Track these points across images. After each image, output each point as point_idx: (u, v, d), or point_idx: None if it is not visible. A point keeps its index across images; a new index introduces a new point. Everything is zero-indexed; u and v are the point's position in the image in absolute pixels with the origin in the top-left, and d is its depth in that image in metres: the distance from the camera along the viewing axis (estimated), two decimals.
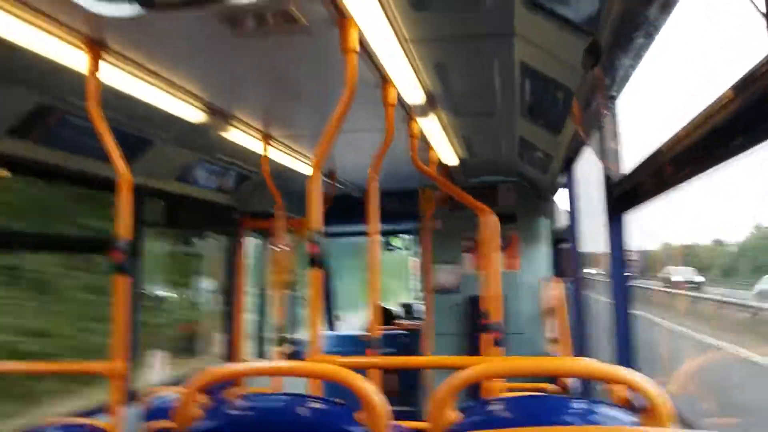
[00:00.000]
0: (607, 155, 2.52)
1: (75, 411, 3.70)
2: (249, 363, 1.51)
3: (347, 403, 1.46)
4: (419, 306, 7.74)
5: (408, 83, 2.95)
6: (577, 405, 1.37)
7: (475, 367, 1.40)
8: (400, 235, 8.49)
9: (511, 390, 3.65)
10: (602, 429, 1.15)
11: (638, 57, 2.06)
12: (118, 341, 2.51)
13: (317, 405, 1.46)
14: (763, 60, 1.17)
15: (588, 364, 1.53)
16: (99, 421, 2.69)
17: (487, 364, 1.45)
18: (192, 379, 1.50)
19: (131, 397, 3.93)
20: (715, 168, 1.77)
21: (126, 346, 2.61)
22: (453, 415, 1.36)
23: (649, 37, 1.90)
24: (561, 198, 5.09)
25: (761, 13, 0.91)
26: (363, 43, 2.38)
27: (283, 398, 1.52)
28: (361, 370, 1.73)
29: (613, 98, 2.45)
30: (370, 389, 1.37)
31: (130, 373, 3.98)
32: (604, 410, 1.33)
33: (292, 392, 1.56)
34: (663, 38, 1.93)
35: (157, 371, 4.59)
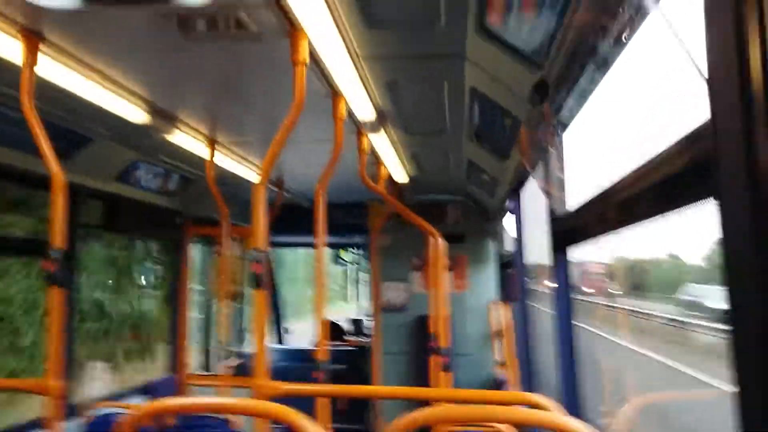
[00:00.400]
0: (552, 187, 2.55)
1: (11, 426, 3.51)
2: (196, 399, 1.45)
3: None
4: (369, 322, 7.70)
5: (358, 98, 2.93)
6: None
7: (432, 410, 1.39)
8: (349, 249, 8.45)
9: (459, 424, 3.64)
10: None
11: (586, 93, 2.09)
12: (54, 356, 2.36)
13: None
14: (704, 124, 1.18)
15: (540, 414, 1.54)
16: None
17: (442, 408, 1.45)
18: (144, 397, 1.44)
19: (71, 411, 3.75)
20: (656, 217, 1.81)
21: (62, 361, 2.47)
22: None
23: (599, 73, 1.93)
24: (508, 222, 5.14)
25: (703, 77, 0.92)
26: (313, 55, 2.34)
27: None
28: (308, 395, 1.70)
29: (559, 131, 2.47)
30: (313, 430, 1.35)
31: (69, 387, 3.80)
32: None
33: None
34: (612, 76, 1.97)
35: (98, 384, 4.40)
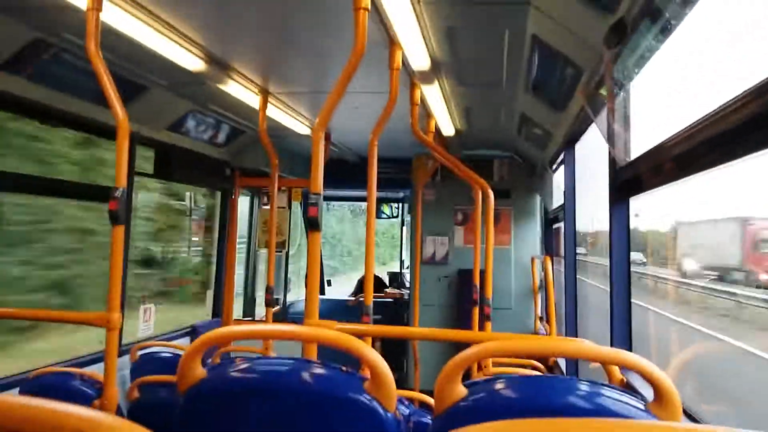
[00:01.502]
0: (614, 138, 2.48)
1: (67, 360, 3.68)
2: (255, 325, 1.47)
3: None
4: (407, 276, 7.76)
5: (415, 47, 2.88)
6: (585, 387, 1.35)
7: (485, 344, 1.37)
8: (391, 203, 8.46)
9: (497, 365, 3.67)
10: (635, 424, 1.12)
11: (659, 40, 2.00)
12: (114, 292, 2.46)
13: (325, 371, 1.42)
14: None
15: (593, 346, 1.51)
16: (93, 372, 2.66)
17: (496, 342, 1.41)
18: (187, 336, 1.46)
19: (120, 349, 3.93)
20: (719, 167, 1.75)
21: (121, 296, 2.57)
22: (460, 391, 1.34)
23: (672, 23, 1.85)
24: (557, 176, 5.06)
25: None
26: (374, 1, 2.30)
27: (288, 362, 1.48)
28: (356, 336, 1.70)
29: (626, 81, 2.39)
30: (379, 359, 1.35)
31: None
32: (613, 394, 1.31)
33: (294, 356, 1.52)
34: (685, 26, 1.88)
35: (147, 324, 4.58)
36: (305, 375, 1.41)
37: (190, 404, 1.42)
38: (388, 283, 8.40)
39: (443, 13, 2.59)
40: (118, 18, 2.56)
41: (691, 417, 2.08)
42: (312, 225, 2.31)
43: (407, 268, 7.93)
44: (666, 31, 1.92)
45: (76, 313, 3.69)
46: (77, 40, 2.66)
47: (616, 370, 1.91)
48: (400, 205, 8.40)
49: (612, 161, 2.70)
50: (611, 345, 2.72)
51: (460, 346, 1.40)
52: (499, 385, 1.39)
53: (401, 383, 5.97)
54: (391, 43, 2.78)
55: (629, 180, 2.52)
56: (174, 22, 2.78)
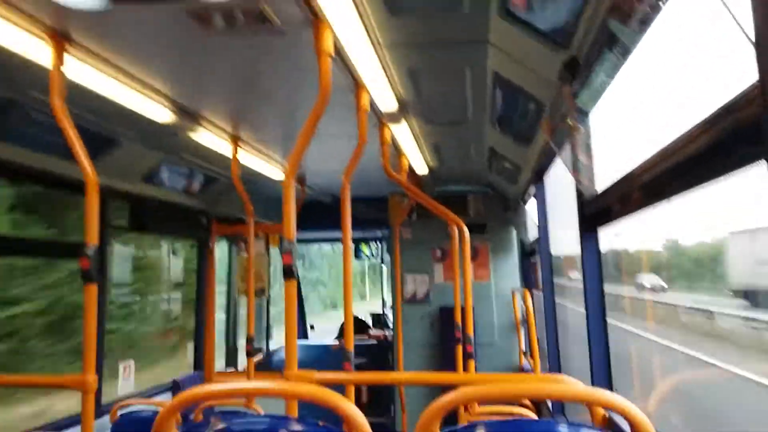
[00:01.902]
0: (579, 170, 2.53)
1: (45, 425, 3.58)
2: (230, 383, 1.45)
3: (327, 424, 1.43)
4: (389, 316, 7.71)
5: (381, 89, 2.94)
6: (564, 430, 1.36)
7: (462, 390, 1.38)
8: (370, 243, 8.47)
9: (484, 404, 3.64)
10: None
11: (613, 73, 2.07)
12: (89, 352, 2.42)
13: (301, 428, 1.41)
14: (747, 90, 1.18)
15: (570, 388, 1.52)
16: None
17: (473, 387, 1.42)
18: (166, 394, 1.44)
19: (99, 409, 3.83)
20: (685, 193, 1.80)
21: (96, 357, 2.52)
22: None
23: (625, 53, 1.92)
24: (530, 208, 5.12)
25: (750, 41, 0.92)
26: (337, 46, 2.36)
27: (266, 421, 1.46)
28: (337, 384, 1.69)
29: (585, 113, 2.46)
30: (355, 413, 1.34)
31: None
32: None
33: (271, 411, 1.51)
34: (639, 56, 1.95)
35: (127, 381, 4.48)
36: None
37: None
38: (371, 324, 8.34)
39: (405, 56, 2.66)
40: (83, 74, 2.59)
41: None
42: (287, 273, 2.30)
43: (390, 307, 7.91)
44: (618, 64, 1.99)
45: (51, 376, 3.61)
46: (43, 97, 2.68)
47: (598, 407, 1.91)
48: (379, 244, 8.41)
49: (579, 193, 2.76)
50: (591, 381, 2.72)
51: (445, 387, 1.41)
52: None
53: (388, 428, 5.89)
54: (357, 86, 2.84)
55: (597, 211, 2.57)
56: (141, 75, 2.81)
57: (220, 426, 1.45)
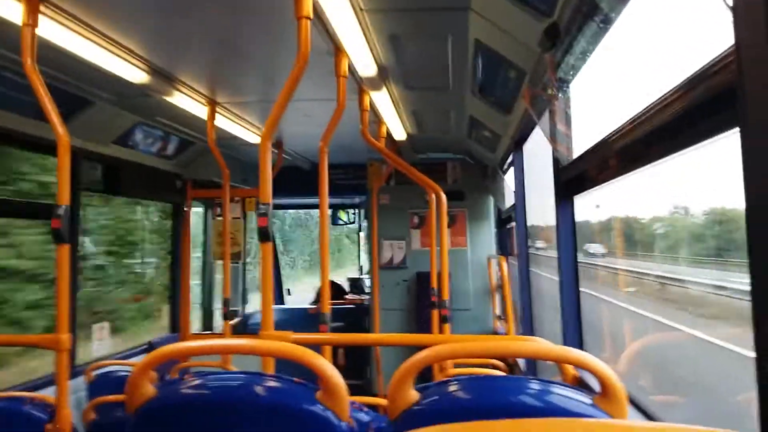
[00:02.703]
0: (557, 138, 2.55)
1: (18, 384, 3.57)
2: (204, 341, 1.47)
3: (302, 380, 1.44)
4: (366, 281, 7.77)
5: (361, 54, 2.90)
6: (535, 386, 1.39)
7: (436, 347, 1.40)
8: (348, 209, 8.47)
9: (458, 366, 3.72)
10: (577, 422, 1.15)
11: (594, 42, 2.07)
12: (62, 312, 2.42)
13: (277, 384, 1.42)
14: (722, 54, 1.19)
15: (542, 346, 1.55)
16: (45, 395, 2.60)
17: (447, 345, 1.44)
18: (144, 356, 1.44)
19: (74, 371, 3.83)
20: (660, 161, 1.82)
21: (70, 318, 2.52)
22: (412, 395, 1.36)
23: (607, 21, 1.92)
24: (508, 177, 5.15)
25: (727, 5, 0.93)
26: (317, 9, 2.31)
27: (240, 376, 1.47)
28: (313, 345, 1.70)
29: (566, 82, 2.47)
30: (330, 368, 1.36)
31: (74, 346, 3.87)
32: (561, 391, 1.35)
33: (246, 369, 1.52)
34: (620, 24, 1.95)
35: (102, 343, 4.48)
36: (256, 388, 1.41)
37: (140, 424, 1.40)
38: (348, 290, 8.40)
39: (386, 20, 2.62)
40: (55, 33, 2.51)
41: (639, 408, 2.15)
42: (262, 236, 2.30)
43: (367, 273, 7.95)
44: (599, 32, 1.99)
45: (25, 336, 3.59)
46: (14, 56, 2.60)
47: (569, 366, 1.96)
48: (357, 210, 8.42)
49: (556, 161, 2.78)
50: (564, 342, 2.79)
51: (421, 349, 1.42)
52: (451, 387, 1.42)
53: (365, 389, 5.99)
54: (337, 50, 2.80)
55: (573, 179, 2.59)
56: (115, 36, 2.74)
57: (195, 381, 1.46)
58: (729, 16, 0.94)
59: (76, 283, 4.02)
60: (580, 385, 1.78)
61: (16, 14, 2.30)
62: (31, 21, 2.29)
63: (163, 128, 4.58)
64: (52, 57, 2.70)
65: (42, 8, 2.33)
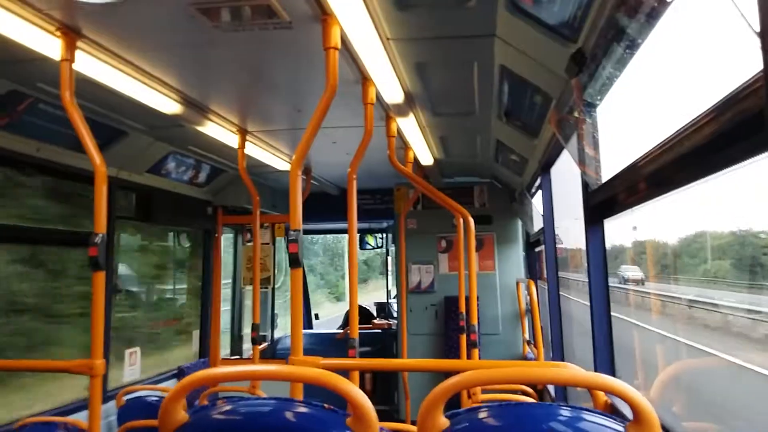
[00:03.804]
0: (586, 162, 2.54)
1: (51, 410, 3.64)
2: (235, 366, 1.49)
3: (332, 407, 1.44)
4: (394, 306, 7.75)
5: (387, 82, 2.95)
6: (566, 413, 1.36)
7: (466, 374, 1.39)
8: (375, 234, 8.50)
9: (486, 391, 3.68)
10: None
11: (620, 66, 2.07)
12: (96, 338, 2.47)
13: (307, 410, 1.43)
14: (751, 80, 1.19)
15: (573, 372, 1.53)
16: (77, 420, 2.64)
17: (476, 372, 1.42)
18: (172, 380, 1.46)
19: (106, 395, 3.89)
20: (690, 185, 1.80)
21: (104, 343, 2.58)
22: (442, 422, 1.35)
23: (633, 46, 1.92)
24: (535, 201, 5.13)
25: (755, 32, 0.93)
26: (344, 40, 2.37)
27: (270, 402, 1.48)
28: (342, 371, 1.70)
29: (593, 106, 2.46)
30: (360, 395, 1.36)
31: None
32: (593, 419, 1.33)
33: (276, 395, 1.53)
34: (647, 49, 1.95)
35: (133, 368, 4.54)
36: (287, 414, 1.42)
37: None
38: (375, 314, 8.39)
39: (412, 49, 2.66)
40: (92, 67, 2.61)
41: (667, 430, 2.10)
42: (293, 262, 2.33)
43: (394, 297, 7.94)
44: (626, 56, 1.99)
45: (59, 361, 3.66)
46: (53, 90, 2.70)
47: (600, 392, 1.93)
48: (385, 235, 8.44)
49: (585, 185, 2.77)
50: (594, 368, 2.75)
51: (449, 375, 1.42)
52: (481, 414, 1.40)
53: (392, 415, 5.94)
54: (364, 79, 2.85)
55: (602, 202, 2.58)
56: (149, 69, 2.83)
57: (227, 407, 1.47)
58: (756, 41, 0.94)
59: (110, 310, 4.10)
60: (612, 411, 1.75)
61: (54, 50, 2.40)
62: (68, 56, 2.39)
63: (195, 157, 4.69)
64: (88, 90, 2.80)
65: (79, 44, 2.43)
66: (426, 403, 1.35)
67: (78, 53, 2.44)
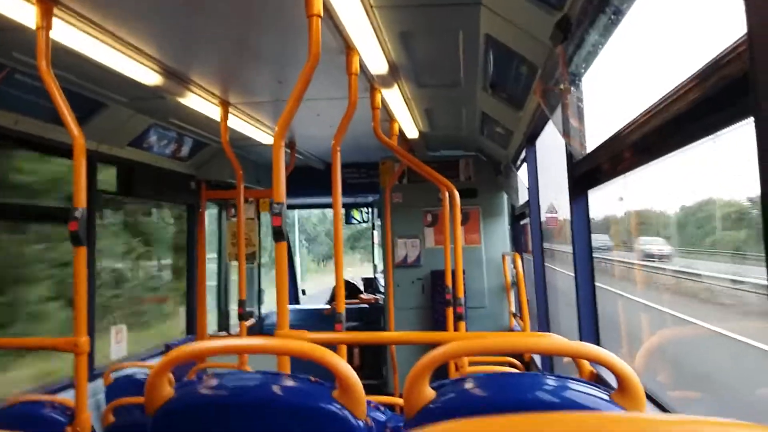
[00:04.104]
0: (570, 133, 2.53)
1: (37, 388, 3.62)
2: (220, 340, 1.48)
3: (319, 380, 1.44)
4: (381, 280, 7.77)
5: (372, 51, 2.90)
6: (551, 382, 1.37)
7: (450, 344, 1.39)
8: (361, 208, 8.48)
9: (473, 363, 3.71)
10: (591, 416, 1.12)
11: (606, 35, 2.05)
12: (80, 315, 2.43)
13: (294, 383, 1.42)
14: (734, 44, 1.17)
15: (558, 341, 1.54)
16: (64, 398, 2.62)
17: (461, 341, 1.42)
18: (162, 356, 1.44)
19: (93, 373, 3.87)
20: (674, 153, 1.80)
21: (88, 320, 2.54)
22: (428, 393, 1.36)
23: (618, 14, 1.90)
24: (521, 173, 5.13)
25: None
26: (327, 7, 2.32)
27: (257, 376, 1.47)
28: (329, 345, 1.70)
29: (578, 76, 2.45)
30: (347, 367, 1.35)
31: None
32: (578, 387, 1.34)
33: (262, 369, 1.52)
34: (632, 17, 1.93)
35: (119, 346, 4.52)
36: (274, 388, 1.41)
37: (159, 425, 1.41)
38: (362, 289, 8.41)
39: (397, 17, 2.62)
40: (69, 36, 2.54)
41: (656, 403, 2.14)
42: (277, 235, 2.30)
43: (381, 272, 7.96)
44: (611, 24, 1.97)
45: (43, 339, 3.63)
46: (29, 60, 2.63)
47: (585, 362, 1.95)
48: (370, 209, 8.42)
49: (569, 156, 2.76)
50: (580, 338, 2.78)
51: (436, 347, 1.42)
52: (466, 385, 1.41)
53: (381, 389, 5.99)
54: (348, 48, 2.81)
55: (586, 173, 2.58)
56: (128, 38, 2.77)
57: (213, 381, 1.46)
58: (741, 4, 0.93)
59: (93, 286, 4.07)
60: (598, 381, 1.76)
61: (30, 18, 2.32)
62: (45, 24, 2.31)
63: (177, 130, 4.62)
64: (66, 60, 2.73)
65: (56, 11, 2.35)
66: (412, 375, 1.35)
67: (55, 21, 2.36)
